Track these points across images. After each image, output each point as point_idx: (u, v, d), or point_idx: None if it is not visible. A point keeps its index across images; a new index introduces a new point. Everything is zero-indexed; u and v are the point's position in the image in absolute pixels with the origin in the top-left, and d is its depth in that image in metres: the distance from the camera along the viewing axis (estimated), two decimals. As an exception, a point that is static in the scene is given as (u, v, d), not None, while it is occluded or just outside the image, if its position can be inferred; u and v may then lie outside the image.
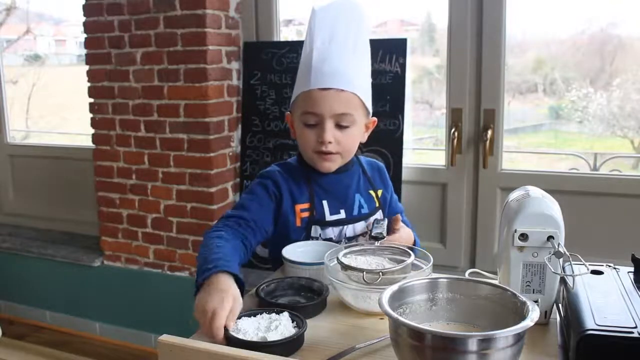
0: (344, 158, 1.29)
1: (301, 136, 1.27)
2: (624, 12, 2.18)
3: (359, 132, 1.28)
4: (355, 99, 1.23)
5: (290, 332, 0.90)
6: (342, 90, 1.21)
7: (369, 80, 1.30)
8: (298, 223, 1.28)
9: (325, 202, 1.30)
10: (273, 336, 0.89)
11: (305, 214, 1.28)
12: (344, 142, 1.25)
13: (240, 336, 0.89)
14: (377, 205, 1.36)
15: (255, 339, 0.89)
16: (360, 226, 1.32)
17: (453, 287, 0.90)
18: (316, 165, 1.28)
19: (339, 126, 1.23)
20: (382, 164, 1.45)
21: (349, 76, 1.22)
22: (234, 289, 0.96)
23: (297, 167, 1.33)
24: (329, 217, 1.29)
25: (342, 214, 1.31)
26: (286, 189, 1.29)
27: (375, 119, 1.33)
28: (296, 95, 1.27)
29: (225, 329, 0.89)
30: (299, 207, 1.28)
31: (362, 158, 1.41)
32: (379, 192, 1.37)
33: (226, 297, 0.92)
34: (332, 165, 1.28)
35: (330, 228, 1.29)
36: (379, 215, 1.35)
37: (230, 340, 0.88)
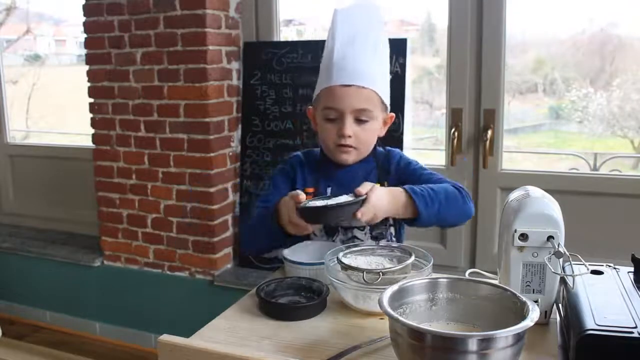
0: (361, 152, 1.33)
1: (322, 130, 1.33)
2: (624, 12, 2.18)
3: (377, 127, 1.33)
4: (375, 96, 1.29)
5: None
6: (363, 87, 1.27)
7: (387, 77, 1.35)
8: None
9: (329, 190, 1.34)
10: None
11: (309, 198, 1.31)
12: (363, 137, 1.30)
13: (310, 204, 1.13)
14: None
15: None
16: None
17: (453, 287, 0.90)
18: (334, 157, 1.33)
19: (359, 121, 1.29)
20: (396, 150, 1.43)
21: (370, 74, 1.28)
22: None
23: (318, 157, 1.41)
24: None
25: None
26: (300, 172, 1.39)
27: (393, 114, 1.38)
28: (319, 90, 1.33)
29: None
30: (306, 190, 1.33)
31: (379, 150, 1.41)
32: (385, 184, 1.38)
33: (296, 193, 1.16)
34: (349, 157, 1.32)
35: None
36: None
37: (303, 210, 1.12)
